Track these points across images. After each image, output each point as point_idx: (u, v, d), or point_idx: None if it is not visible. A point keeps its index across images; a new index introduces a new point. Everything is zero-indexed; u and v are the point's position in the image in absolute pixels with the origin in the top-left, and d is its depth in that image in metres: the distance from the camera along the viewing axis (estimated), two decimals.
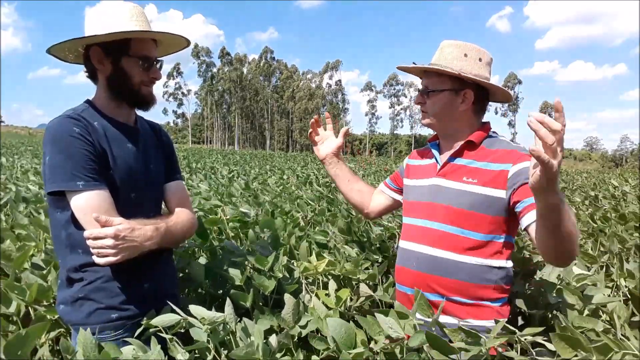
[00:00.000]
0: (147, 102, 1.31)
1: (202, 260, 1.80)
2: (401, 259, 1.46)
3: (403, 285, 1.43)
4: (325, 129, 1.76)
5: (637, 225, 2.51)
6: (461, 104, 1.37)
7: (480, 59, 1.37)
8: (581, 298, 1.26)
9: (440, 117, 1.40)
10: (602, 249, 2.19)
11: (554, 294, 1.46)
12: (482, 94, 1.39)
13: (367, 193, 1.72)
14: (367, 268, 1.78)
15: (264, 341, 1.02)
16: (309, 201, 2.94)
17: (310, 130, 1.73)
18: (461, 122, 1.40)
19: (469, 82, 1.35)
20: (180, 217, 1.35)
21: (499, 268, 1.31)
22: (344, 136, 1.70)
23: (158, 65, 1.31)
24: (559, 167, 0.93)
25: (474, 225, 1.30)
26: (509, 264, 1.33)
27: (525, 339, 0.90)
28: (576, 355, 0.83)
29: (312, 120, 1.72)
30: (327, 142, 1.73)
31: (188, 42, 1.36)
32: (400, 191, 1.64)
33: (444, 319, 1.31)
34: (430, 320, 1.02)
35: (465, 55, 1.36)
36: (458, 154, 1.39)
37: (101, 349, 1.02)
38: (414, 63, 1.41)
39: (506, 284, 1.33)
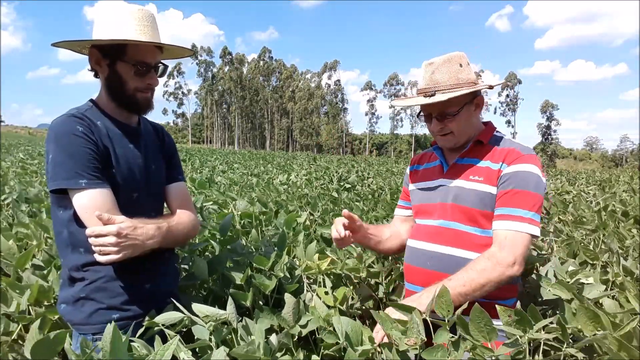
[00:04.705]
0: (143, 108, 1.30)
1: None
2: (412, 257, 1.45)
3: (413, 284, 1.42)
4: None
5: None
6: (474, 110, 1.39)
7: (468, 63, 1.38)
8: (575, 295, 1.26)
9: (465, 131, 1.38)
10: (603, 246, 2.19)
11: (549, 290, 1.46)
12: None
13: (396, 231, 1.61)
14: (370, 265, 1.78)
15: (265, 340, 1.02)
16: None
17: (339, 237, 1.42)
18: (475, 126, 1.41)
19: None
20: (182, 217, 1.35)
21: None
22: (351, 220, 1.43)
23: (160, 70, 1.29)
24: None
25: (487, 222, 1.31)
26: None
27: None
28: None
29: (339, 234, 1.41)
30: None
31: (192, 51, 1.38)
32: None
33: None
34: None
35: (460, 65, 1.34)
36: (466, 154, 1.39)
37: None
38: (421, 94, 1.35)
39: (515, 282, 1.33)
